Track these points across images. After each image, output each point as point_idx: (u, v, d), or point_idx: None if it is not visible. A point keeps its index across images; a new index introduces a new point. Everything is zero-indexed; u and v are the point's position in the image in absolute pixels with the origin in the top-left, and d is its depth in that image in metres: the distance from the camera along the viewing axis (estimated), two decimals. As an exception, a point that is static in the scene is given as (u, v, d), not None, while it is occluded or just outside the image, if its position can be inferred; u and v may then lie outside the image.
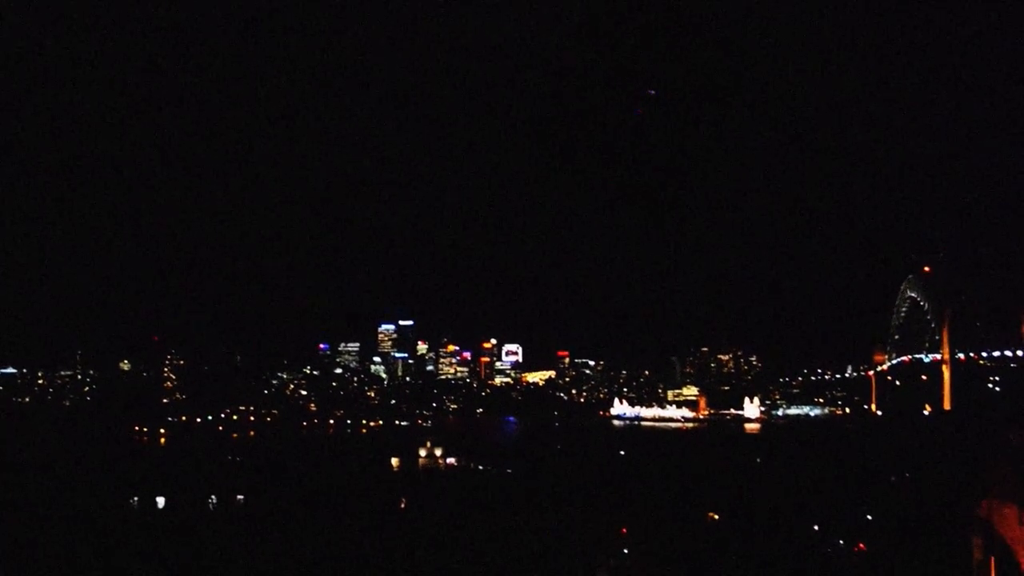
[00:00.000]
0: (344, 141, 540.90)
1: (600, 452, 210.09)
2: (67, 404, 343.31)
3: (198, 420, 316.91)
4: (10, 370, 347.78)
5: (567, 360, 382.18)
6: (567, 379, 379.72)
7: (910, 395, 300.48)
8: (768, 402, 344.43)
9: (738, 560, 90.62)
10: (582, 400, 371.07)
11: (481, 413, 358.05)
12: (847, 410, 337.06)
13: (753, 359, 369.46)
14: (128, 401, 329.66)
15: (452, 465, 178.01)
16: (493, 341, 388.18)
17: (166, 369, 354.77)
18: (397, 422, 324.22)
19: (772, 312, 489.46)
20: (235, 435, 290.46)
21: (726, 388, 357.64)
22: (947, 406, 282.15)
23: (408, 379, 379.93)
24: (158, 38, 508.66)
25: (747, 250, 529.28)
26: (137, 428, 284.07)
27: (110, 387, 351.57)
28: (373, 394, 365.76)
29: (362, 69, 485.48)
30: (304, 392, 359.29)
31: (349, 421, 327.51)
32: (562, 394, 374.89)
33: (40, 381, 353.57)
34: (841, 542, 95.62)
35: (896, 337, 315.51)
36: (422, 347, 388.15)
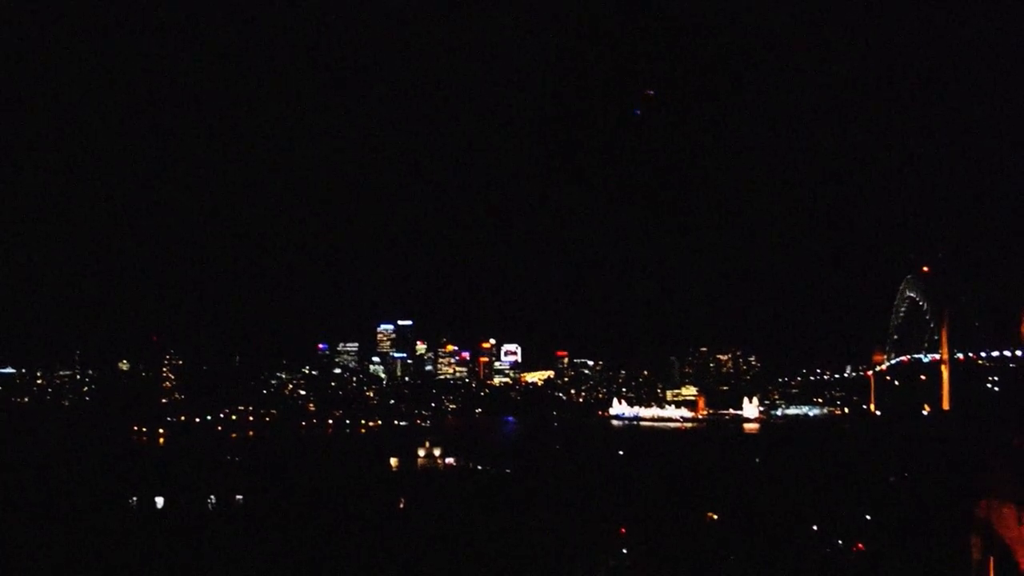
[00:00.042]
0: (343, 141, 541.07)
1: (599, 452, 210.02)
2: (66, 404, 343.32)
3: (197, 420, 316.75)
4: (9, 370, 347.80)
5: (566, 360, 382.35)
6: (566, 379, 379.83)
7: (909, 395, 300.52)
8: (767, 402, 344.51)
9: (737, 560, 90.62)
10: (581, 400, 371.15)
11: (480, 413, 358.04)
12: (846, 410, 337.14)
13: (752, 359, 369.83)
14: (127, 401, 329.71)
15: (451, 465, 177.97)
16: (492, 341, 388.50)
17: (165, 369, 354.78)
18: (396, 422, 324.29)
19: (771, 312, 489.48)
20: (234, 435, 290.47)
21: (725, 388, 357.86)
22: (946, 406, 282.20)
23: (407, 379, 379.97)
24: (158, 38, 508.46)
25: (746, 250, 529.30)
26: (136, 428, 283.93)
27: (109, 387, 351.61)
28: (372, 394, 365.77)
29: (362, 69, 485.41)
30: (303, 392, 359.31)
31: (348, 421, 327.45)
32: (561, 394, 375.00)
33: (39, 381, 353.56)
34: (840, 542, 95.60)
35: (895, 337, 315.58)
36: (421, 347, 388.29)
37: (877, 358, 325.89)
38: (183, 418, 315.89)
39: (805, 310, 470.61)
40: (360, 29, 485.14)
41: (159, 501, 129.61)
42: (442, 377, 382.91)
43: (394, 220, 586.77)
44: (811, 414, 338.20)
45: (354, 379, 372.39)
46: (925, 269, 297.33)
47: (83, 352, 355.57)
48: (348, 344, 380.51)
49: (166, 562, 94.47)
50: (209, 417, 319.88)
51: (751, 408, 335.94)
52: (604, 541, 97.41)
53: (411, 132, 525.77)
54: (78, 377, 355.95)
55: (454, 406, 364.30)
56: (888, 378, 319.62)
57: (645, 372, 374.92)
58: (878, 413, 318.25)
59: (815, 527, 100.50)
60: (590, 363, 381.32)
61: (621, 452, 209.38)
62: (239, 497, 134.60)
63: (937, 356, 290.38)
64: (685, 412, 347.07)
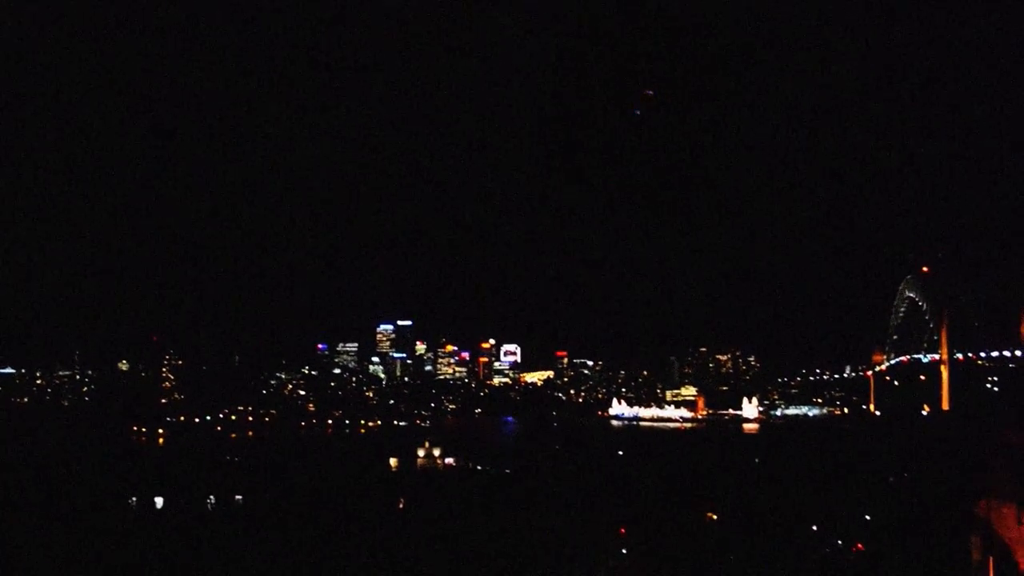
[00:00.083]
0: (342, 141, 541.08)
1: (598, 452, 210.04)
2: (65, 404, 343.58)
3: (196, 420, 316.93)
4: (9, 370, 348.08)
5: (565, 360, 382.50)
6: (565, 379, 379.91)
7: (908, 395, 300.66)
8: (767, 402, 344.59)
9: (737, 560, 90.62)
10: (580, 400, 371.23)
11: (479, 413, 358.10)
12: (846, 410, 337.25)
13: (752, 359, 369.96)
14: (126, 401, 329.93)
15: (450, 465, 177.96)
16: (491, 341, 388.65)
17: (164, 369, 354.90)
18: (395, 422, 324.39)
19: (771, 312, 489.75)
20: (233, 435, 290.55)
21: (725, 388, 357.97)
22: (945, 406, 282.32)
23: (406, 379, 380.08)
24: (157, 37, 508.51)
25: (746, 250, 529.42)
26: (135, 428, 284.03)
27: (108, 387, 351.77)
28: (371, 394, 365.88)
29: (362, 69, 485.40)
30: (302, 392, 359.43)
31: (347, 421, 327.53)
32: (560, 394, 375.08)
33: (39, 381, 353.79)
34: (840, 542, 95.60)
35: (895, 337, 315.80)
36: (420, 347, 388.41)
37: (877, 358, 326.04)
38: (183, 418, 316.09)
39: (805, 310, 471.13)
40: (360, 29, 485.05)
41: (159, 501, 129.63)
42: (442, 377, 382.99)
43: (394, 220, 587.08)
44: (811, 414, 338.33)
45: (354, 379, 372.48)
46: (925, 269, 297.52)
47: (83, 352, 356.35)
48: (348, 344, 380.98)
49: (166, 562, 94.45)
50: (208, 417, 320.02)
51: (750, 408, 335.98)
52: (604, 541, 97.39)
53: (411, 132, 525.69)
54: (78, 377, 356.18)
55: (454, 406, 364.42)
56: (888, 378, 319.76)
57: (645, 372, 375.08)
58: (878, 413, 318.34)
59: (815, 527, 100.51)
60: (589, 363, 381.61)
61: (621, 452, 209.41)
62: (238, 497, 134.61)
63: (936, 356, 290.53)
64: (685, 412, 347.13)
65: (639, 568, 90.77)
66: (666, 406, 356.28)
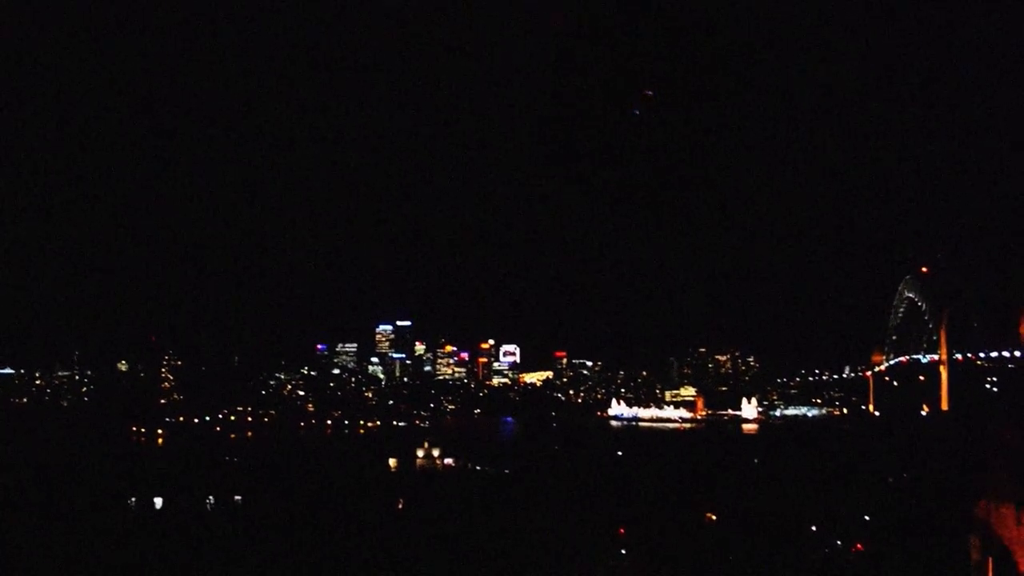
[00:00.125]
0: (342, 142, 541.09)
1: (598, 452, 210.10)
2: (65, 404, 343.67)
3: (196, 421, 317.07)
4: (8, 370, 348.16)
5: (565, 361, 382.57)
6: (565, 380, 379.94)
7: (908, 396, 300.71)
8: (766, 403, 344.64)
9: (736, 560, 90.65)
10: (580, 401, 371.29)
11: (479, 414, 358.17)
12: (845, 411, 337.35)
13: (751, 360, 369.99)
14: (126, 402, 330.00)
15: (450, 466, 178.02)
16: (491, 342, 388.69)
17: (163, 370, 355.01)
18: (395, 422, 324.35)
19: (770, 313, 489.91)
20: (233, 435, 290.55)
21: (724, 389, 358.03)
22: (945, 407, 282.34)
23: (406, 380, 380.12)
24: (157, 37, 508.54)
25: (745, 251, 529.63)
26: (135, 428, 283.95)
27: (108, 388, 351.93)
28: (371, 395, 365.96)
29: (362, 69, 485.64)
30: (302, 393, 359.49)
31: (347, 422, 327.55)
32: (560, 395, 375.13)
33: (38, 381, 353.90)
34: (839, 542, 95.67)
35: (894, 338, 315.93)
36: (420, 347, 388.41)
37: (876, 359, 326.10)
38: (182, 418, 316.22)
39: (804, 311, 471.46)
40: (360, 29, 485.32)
41: (158, 502, 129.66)
42: (441, 378, 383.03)
43: (393, 220, 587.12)
44: (810, 415, 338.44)
45: (353, 380, 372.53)
46: (924, 270, 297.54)
47: (82, 353, 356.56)
48: (347, 345, 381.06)
49: (165, 562, 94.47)
50: (208, 418, 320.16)
51: (750, 409, 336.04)
52: (603, 542, 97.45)
53: (410, 132, 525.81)
54: (77, 378, 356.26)
55: (453, 406, 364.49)
56: (887, 379, 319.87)
57: (644, 373, 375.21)
58: (877, 414, 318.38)
59: (814, 527, 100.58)
60: (589, 364, 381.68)
61: (620, 453, 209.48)
62: (238, 498, 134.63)
63: (936, 356, 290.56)
64: (684, 413, 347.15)
65: (638, 568, 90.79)
66: (665, 406, 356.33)
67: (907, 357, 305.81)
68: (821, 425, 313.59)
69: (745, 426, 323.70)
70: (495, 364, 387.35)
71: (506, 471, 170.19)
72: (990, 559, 70.01)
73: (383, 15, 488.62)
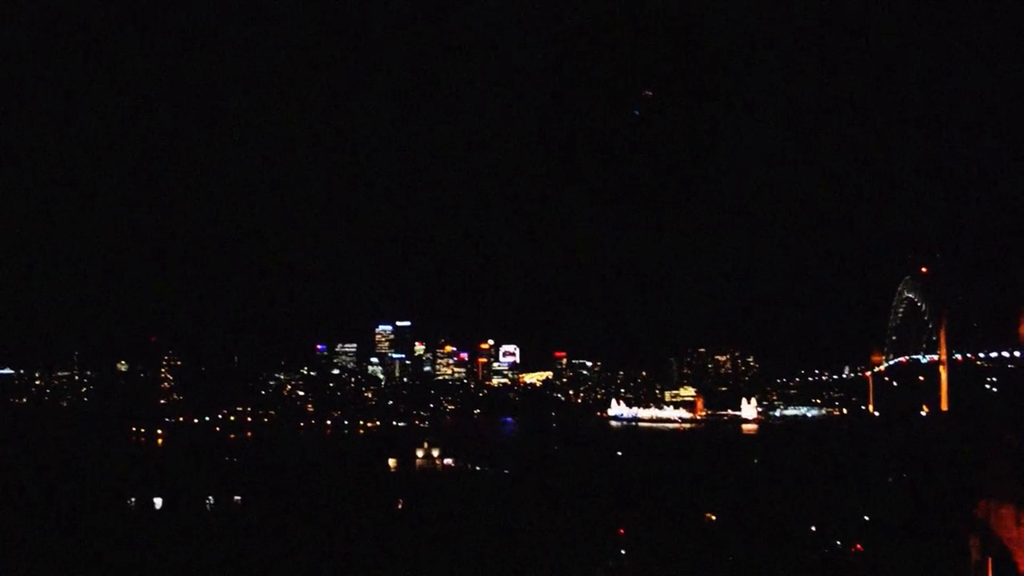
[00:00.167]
0: (341, 142, 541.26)
1: (597, 453, 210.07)
2: (64, 405, 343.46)
3: (195, 421, 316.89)
4: (7, 371, 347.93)
5: (564, 361, 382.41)
6: (564, 380, 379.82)
7: (907, 396, 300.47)
8: (765, 403, 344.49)
9: (736, 561, 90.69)
10: (579, 401, 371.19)
11: (478, 414, 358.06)
12: (844, 411, 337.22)
13: (751, 360, 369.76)
14: (125, 402, 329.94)
15: (449, 466, 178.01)
16: (490, 342, 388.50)
17: (163, 370, 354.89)
18: (394, 423, 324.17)
19: (770, 313, 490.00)
20: (232, 436, 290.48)
21: (723, 389, 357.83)
22: (944, 407, 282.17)
23: (405, 380, 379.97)
24: (158, 36, 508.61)
25: (745, 251, 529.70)
26: (134, 429, 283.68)
27: (107, 388, 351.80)
28: (370, 395, 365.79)
29: (361, 69, 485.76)
30: (301, 393, 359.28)
31: (346, 422, 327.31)
32: (559, 395, 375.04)
33: (37, 382, 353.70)
34: (838, 543, 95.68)
35: (893, 338, 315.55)
36: (419, 348, 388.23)
37: (875, 359, 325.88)
38: (181, 419, 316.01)
39: (804, 311, 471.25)
40: (360, 28, 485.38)
41: (158, 502, 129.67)
42: (440, 378, 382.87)
43: (393, 221, 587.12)
44: (809, 415, 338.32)
45: (352, 380, 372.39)
46: (923, 270, 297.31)
47: (81, 353, 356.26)
48: (346, 345, 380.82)
49: (165, 562, 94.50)
50: (207, 418, 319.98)
51: (749, 409, 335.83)
52: (602, 542, 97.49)
53: (410, 132, 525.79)
54: (76, 378, 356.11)
55: (452, 407, 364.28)
56: (887, 379, 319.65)
57: (643, 373, 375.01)
58: (876, 414, 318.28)
59: (813, 528, 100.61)
60: (588, 364, 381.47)
61: (620, 453, 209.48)
62: (237, 498, 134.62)
63: (935, 357, 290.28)
64: (684, 413, 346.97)
65: (638, 568, 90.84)
66: (665, 407, 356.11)
67: (907, 357, 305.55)
68: (821, 425, 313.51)
69: (745, 426, 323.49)
70: (495, 364, 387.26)
71: (506, 471, 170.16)
72: (990, 559, 70.11)
73: (383, 15, 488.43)
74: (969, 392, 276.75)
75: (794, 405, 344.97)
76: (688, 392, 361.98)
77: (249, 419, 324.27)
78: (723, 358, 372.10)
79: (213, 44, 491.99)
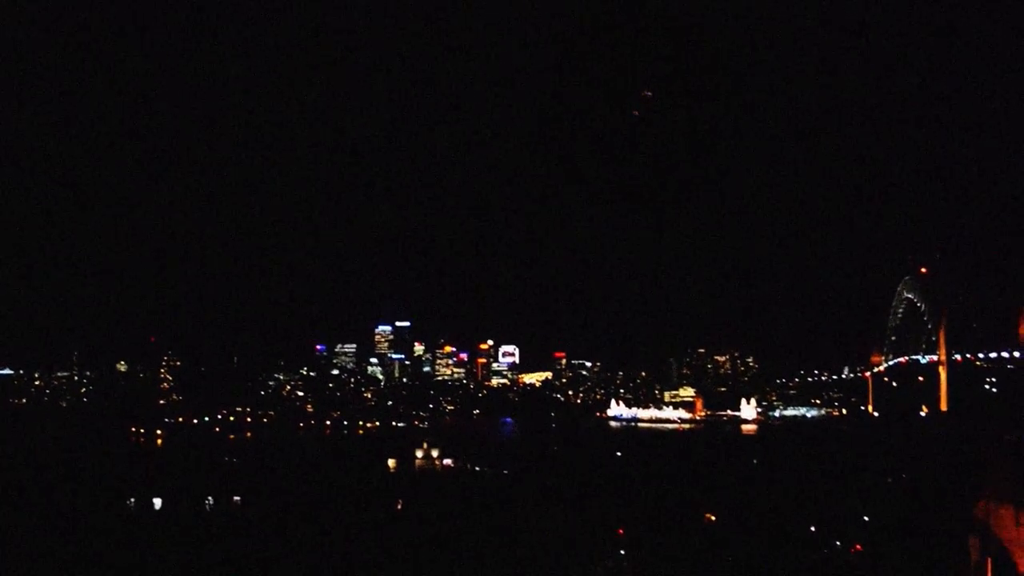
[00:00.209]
0: (341, 142, 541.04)
1: (597, 453, 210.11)
2: (64, 405, 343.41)
3: (195, 421, 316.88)
4: (7, 371, 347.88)
5: (564, 361, 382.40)
6: (564, 380, 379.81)
7: (907, 396, 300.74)
8: (765, 403, 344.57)
9: (735, 561, 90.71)
10: (579, 401, 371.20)
11: (478, 414, 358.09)
12: (844, 411, 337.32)
13: (750, 360, 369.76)
14: (125, 402, 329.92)
15: (449, 466, 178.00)
16: (490, 342, 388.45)
17: (163, 370, 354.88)
18: (394, 423, 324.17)
19: (769, 313, 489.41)
20: (232, 436, 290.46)
21: (723, 389, 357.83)
22: (944, 407, 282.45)
23: (405, 380, 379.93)
24: (158, 36, 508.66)
25: (745, 251, 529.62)
26: (134, 429, 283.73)
27: (107, 388, 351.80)
28: (370, 395, 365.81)
29: (362, 69, 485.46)
30: (301, 393, 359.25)
31: (346, 422, 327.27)
32: (559, 395, 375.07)
33: (37, 382, 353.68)
34: (838, 543, 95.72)
35: (893, 338, 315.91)
36: (419, 348, 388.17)
37: (875, 359, 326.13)
38: (181, 419, 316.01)
39: (803, 311, 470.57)
40: (360, 28, 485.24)
41: (157, 502, 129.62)
42: (440, 378, 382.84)
43: (392, 221, 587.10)
44: (809, 415, 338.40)
45: (352, 380, 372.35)
46: (923, 270, 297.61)
47: (81, 353, 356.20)
48: (346, 345, 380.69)
49: (165, 563, 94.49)
50: (207, 418, 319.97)
51: (749, 409, 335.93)
52: (602, 542, 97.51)
53: (409, 132, 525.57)
54: (76, 378, 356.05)
55: (452, 407, 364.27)
56: (886, 379, 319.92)
57: (643, 373, 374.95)
58: (876, 414, 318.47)
59: (813, 528, 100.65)
60: (588, 364, 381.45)
61: (619, 453, 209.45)
62: (237, 498, 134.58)
63: (935, 357, 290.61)
64: (683, 413, 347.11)
65: (637, 568, 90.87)
66: (664, 407, 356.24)
67: (906, 358, 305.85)
68: (820, 426, 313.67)
69: (744, 427, 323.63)
70: (494, 365, 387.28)
71: (505, 472, 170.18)
72: (989, 560, 70.11)
73: (383, 14, 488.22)
74: (968, 392, 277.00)
75: (793, 405, 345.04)
76: (687, 392, 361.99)
77: (249, 419, 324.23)
78: (722, 358, 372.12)
79: (213, 44, 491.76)
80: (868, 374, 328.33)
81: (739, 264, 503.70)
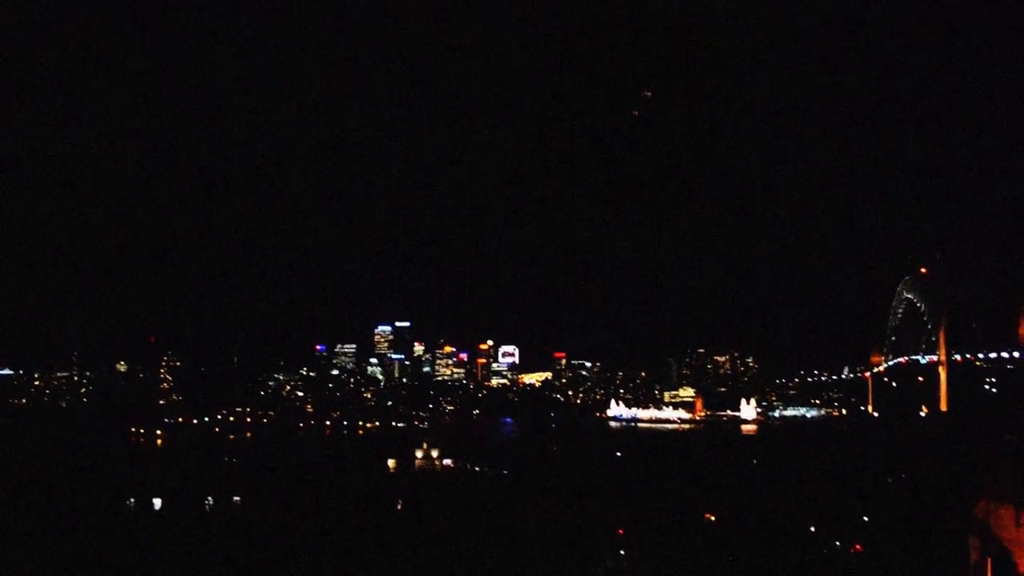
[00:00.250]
0: (340, 142, 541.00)
1: (597, 453, 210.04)
2: (64, 405, 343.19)
3: (195, 421, 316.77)
4: (7, 371, 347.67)
5: (563, 361, 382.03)
6: (564, 380, 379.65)
7: (907, 396, 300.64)
8: (764, 403, 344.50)
9: (735, 561, 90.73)
10: (578, 401, 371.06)
11: (478, 414, 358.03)
12: (844, 411, 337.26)
13: (750, 360, 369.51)
14: (125, 402, 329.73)
15: (449, 466, 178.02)
16: (490, 342, 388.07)
17: (163, 370, 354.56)
18: (394, 423, 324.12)
19: (769, 313, 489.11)
20: (232, 436, 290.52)
21: (722, 389, 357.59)
22: (944, 407, 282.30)
23: (405, 380, 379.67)
24: (158, 35, 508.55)
25: (744, 251, 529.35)
26: (134, 429, 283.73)
27: (107, 388, 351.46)
28: (369, 395, 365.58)
29: (361, 69, 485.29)
30: (300, 393, 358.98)
31: (346, 422, 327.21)
32: (559, 395, 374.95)
33: (36, 382, 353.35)
34: (838, 543, 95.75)
35: (893, 338, 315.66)
36: (418, 348, 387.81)
37: (875, 359, 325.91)
38: (181, 419, 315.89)
39: (803, 311, 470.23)
40: (359, 28, 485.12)
41: (157, 502, 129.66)
42: (440, 378, 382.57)
43: (392, 221, 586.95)
44: (809, 415, 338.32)
45: (352, 380, 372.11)
46: (923, 270, 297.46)
47: (81, 353, 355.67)
48: (346, 345, 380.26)
49: (164, 563, 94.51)
50: (207, 418, 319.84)
51: (748, 409, 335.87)
52: (602, 542, 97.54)
53: (409, 133, 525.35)
54: (76, 378, 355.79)
55: (452, 407, 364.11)
56: (886, 379, 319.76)
57: (643, 373, 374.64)
58: (876, 414, 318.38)
59: (813, 528, 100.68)
60: (588, 364, 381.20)
61: (619, 453, 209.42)
62: (237, 498, 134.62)
63: (935, 357, 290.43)
64: (683, 413, 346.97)
65: (637, 568, 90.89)
66: (664, 407, 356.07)
67: (906, 358, 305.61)
68: (820, 426, 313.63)
69: (744, 427, 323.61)
70: (494, 365, 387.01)
71: (505, 472, 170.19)
72: (989, 560, 70.13)
73: (383, 14, 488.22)
74: (968, 393, 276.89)
75: (793, 406, 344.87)
76: (687, 393, 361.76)
77: (248, 420, 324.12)
78: (722, 359, 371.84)
79: (213, 43, 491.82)
80: (868, 374, 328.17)
81: (739, 264, 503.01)
